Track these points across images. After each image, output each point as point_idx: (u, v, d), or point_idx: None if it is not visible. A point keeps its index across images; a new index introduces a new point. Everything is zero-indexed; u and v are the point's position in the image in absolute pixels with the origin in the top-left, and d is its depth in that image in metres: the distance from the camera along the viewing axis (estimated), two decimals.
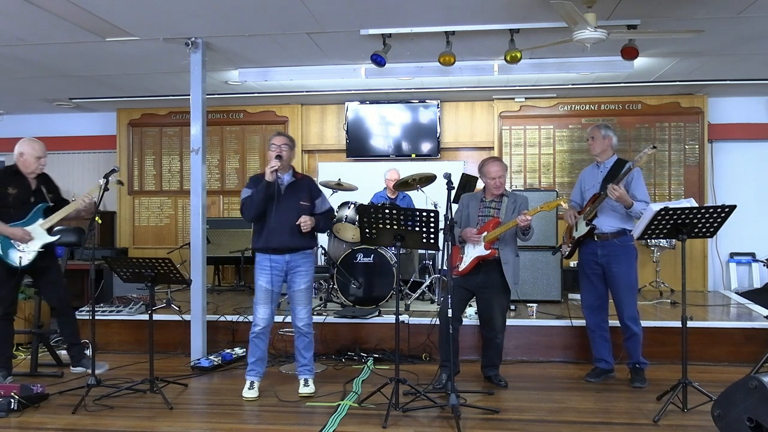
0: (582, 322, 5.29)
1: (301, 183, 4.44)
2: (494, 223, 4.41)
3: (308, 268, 4.41)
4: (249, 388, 4.34)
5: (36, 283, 4.94)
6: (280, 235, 4.29)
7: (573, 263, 6.94)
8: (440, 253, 5.87)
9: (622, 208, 4.44)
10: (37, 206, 4.67)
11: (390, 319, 5.22)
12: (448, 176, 4.08)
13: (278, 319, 4.51)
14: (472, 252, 4.42)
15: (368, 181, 7.13)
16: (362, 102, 8.01)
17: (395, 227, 4.04)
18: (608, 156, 4.64)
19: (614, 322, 4.69)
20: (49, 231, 4.68)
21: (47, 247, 4.66)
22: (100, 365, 4.80)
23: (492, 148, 7.94)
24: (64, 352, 5.46)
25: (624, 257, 4.49)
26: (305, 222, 4.22)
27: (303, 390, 4.34)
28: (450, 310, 3.97)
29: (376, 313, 5.58)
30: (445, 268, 4.36)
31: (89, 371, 4.35)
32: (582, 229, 4.61)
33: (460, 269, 4.44)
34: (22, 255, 4.56)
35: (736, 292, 7.19)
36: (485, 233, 4.38)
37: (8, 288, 4.65)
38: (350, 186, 6.60)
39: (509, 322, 5.26)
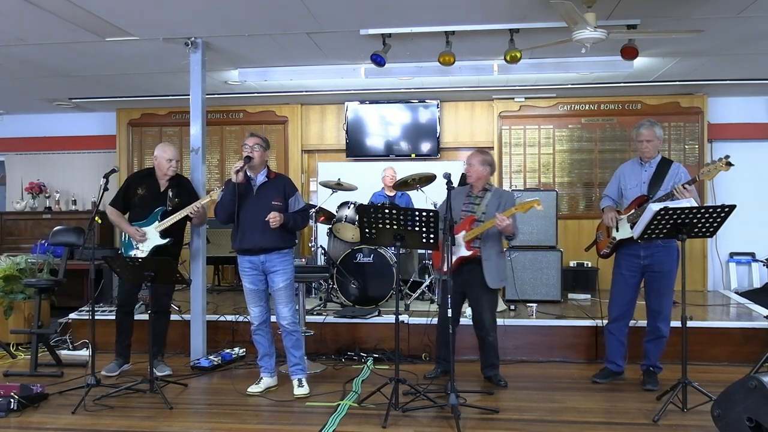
0: (582, 322, 5.32)
1: (274, 183, 4.39)
2: (470, 221, 4.40)
3: (285, 267, 4.35)
4: (255, 384, 4.42)
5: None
6: (251, 236, 4.26)
7: (573, 263, 6.96)
8: None
9: None
10: (157, 208, 4.76)
11: (390, 319, 5.22)
12: (447, 176, 4.09)
13: (273, 318, 4.49)
14: (455, 252, 4.40)
15: (368, 181, 7.13)
16: (362, 102, 8.00)
17: (395, 227, 4.03)
18: (655, 154, 4.51)
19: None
20: (164, 234, 4.75)
21: (159, 249, 4.72)
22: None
23: (492, 148, 7.92)
24: (64, 352, 5.47)
25: (667, 257, 4.36)
26: (273, 218, 4.17)
27: (297, 391, 4.32)
28: (449, 310, 3.99)
29: (376, 313, 5.58)
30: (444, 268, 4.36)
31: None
32: (627, 232, 4.40)
33: (444, 269, 4.43)
34: (137, 253, 4.70)
35: (736, 292, 7.18)
36: (464, 232, 4.38)
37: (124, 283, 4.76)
38: (350, 186, 6.60)
39: (510, 322, 5.28)
